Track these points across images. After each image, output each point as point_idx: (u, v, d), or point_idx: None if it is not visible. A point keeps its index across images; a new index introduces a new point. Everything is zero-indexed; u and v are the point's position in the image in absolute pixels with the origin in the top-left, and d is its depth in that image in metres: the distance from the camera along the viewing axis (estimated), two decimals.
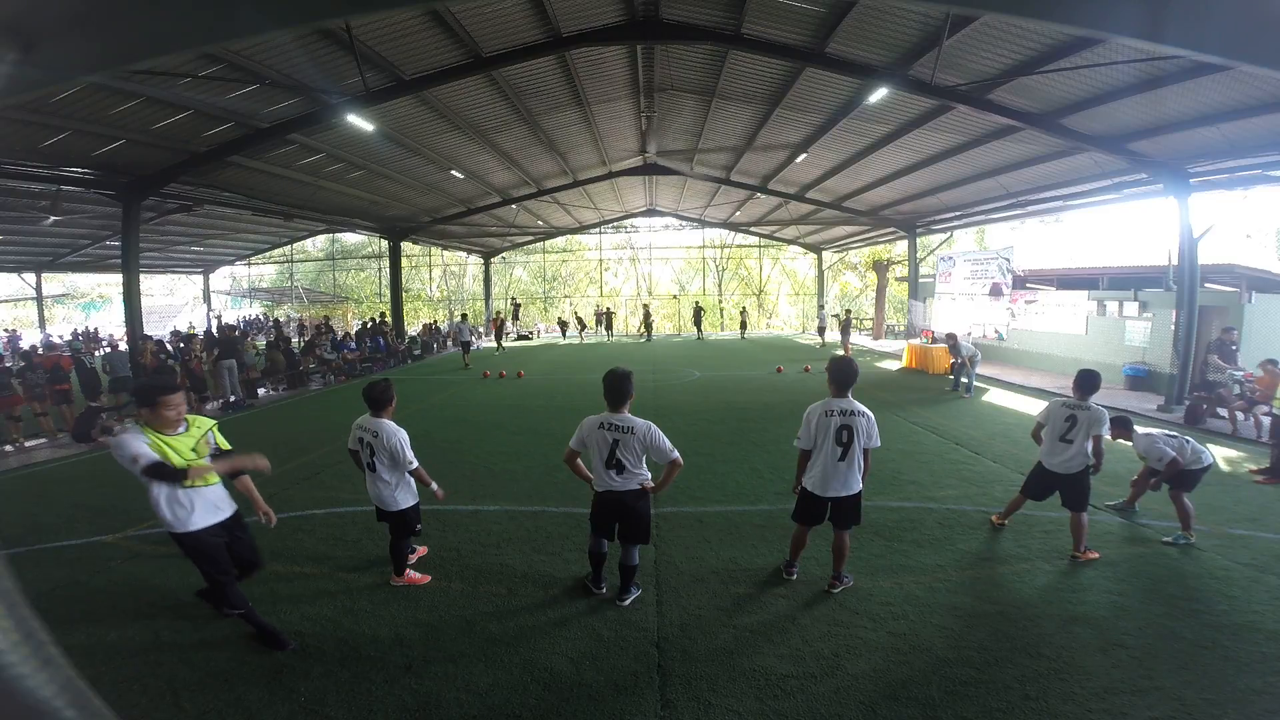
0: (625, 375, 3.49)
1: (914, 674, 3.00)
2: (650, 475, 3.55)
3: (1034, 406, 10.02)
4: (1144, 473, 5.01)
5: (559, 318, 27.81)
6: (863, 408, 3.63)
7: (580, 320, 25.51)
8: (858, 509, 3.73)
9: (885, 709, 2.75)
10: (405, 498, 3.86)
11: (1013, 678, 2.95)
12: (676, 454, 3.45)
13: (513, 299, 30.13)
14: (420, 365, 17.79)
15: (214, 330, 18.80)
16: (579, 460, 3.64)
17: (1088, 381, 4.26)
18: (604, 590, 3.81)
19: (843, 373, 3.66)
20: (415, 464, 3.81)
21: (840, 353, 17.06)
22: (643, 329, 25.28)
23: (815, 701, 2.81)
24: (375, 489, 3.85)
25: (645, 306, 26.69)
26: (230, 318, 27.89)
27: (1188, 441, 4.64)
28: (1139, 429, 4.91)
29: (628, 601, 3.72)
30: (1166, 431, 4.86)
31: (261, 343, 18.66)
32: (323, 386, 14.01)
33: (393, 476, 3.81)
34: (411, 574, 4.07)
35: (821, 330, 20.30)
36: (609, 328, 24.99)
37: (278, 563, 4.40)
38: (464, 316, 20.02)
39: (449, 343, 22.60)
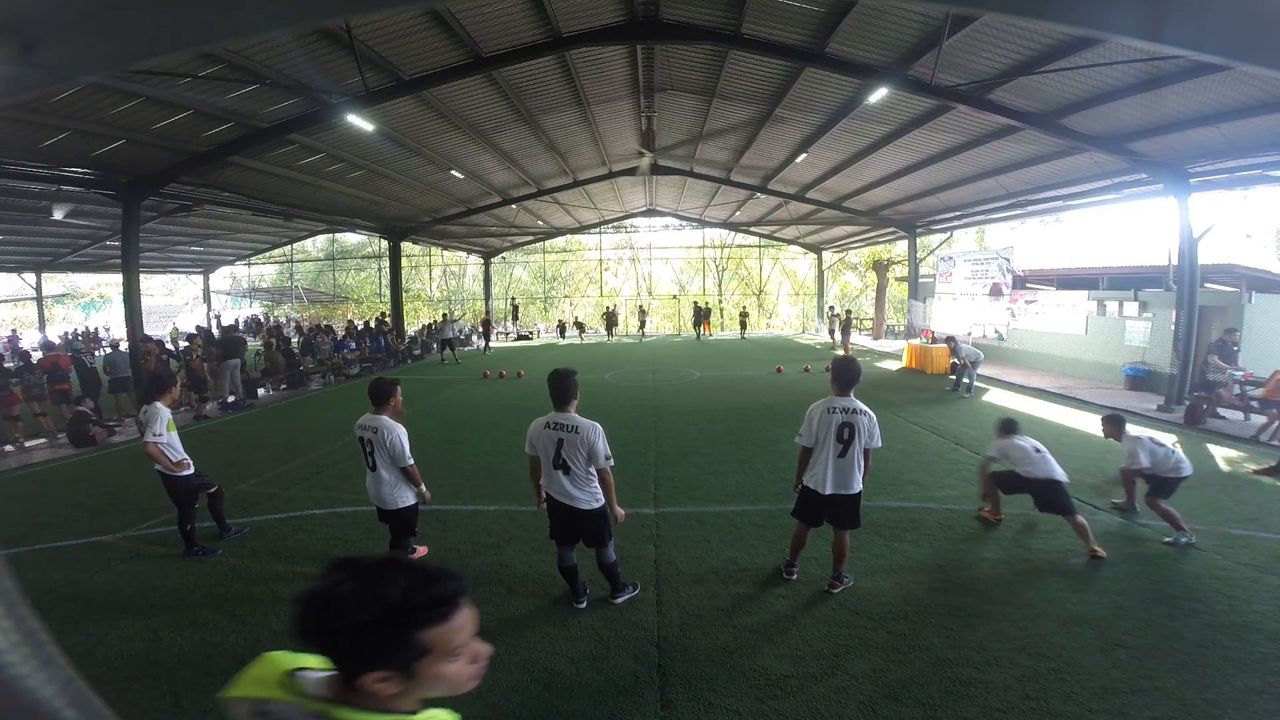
0: (567, 375, 3.46)
1: (914, 674, 3.00)
2: (601, 494, 3.46)
3: (1034, 406, 10.02)
4: (1125, 472, 5.03)
5: (559, 320, 27.43)
6: (864, 406, 3.66)
7: (579, 323, 25.30)
8: (857, 510, 3.72)
9: (885, 709, 2.75)
10: (406, 496, 3.90)
11: (1013, 678, 2.95)
12: (611, 462, 3.42)
13: (512, 299, 30.12)
14: (420, 365, 17.80)
15: (214, 330, 18.80)
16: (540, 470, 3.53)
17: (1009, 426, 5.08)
18: (584, 604, 3.70)
19: (845, 372, 3.71)
20: (411, 461, 3.83)
21: (841, 352, 16.98)
22: (639, 329, 25.32)
23: (815, 701, 2.81)
24: (375, 487, 3.87)
25: (641, 308, 26.71)
26: (229, 318, 27.87)
27: (1173, 452, 4.70)
28: (1131, 430, 4.93)
29: (620, 600, 3.71)
30: (1155, 437, 4.89)
31: (256, 343, 18.64)
32: (322, 386, 14.01)
33: (392, 474, 3.84)
34: None
35: (832, 332, 20.21)
36: (609, 328, 24.95)
37: (278, 563, 4.41)
38: (444, 316, 20.61)
39: (453, 344, 22.52)
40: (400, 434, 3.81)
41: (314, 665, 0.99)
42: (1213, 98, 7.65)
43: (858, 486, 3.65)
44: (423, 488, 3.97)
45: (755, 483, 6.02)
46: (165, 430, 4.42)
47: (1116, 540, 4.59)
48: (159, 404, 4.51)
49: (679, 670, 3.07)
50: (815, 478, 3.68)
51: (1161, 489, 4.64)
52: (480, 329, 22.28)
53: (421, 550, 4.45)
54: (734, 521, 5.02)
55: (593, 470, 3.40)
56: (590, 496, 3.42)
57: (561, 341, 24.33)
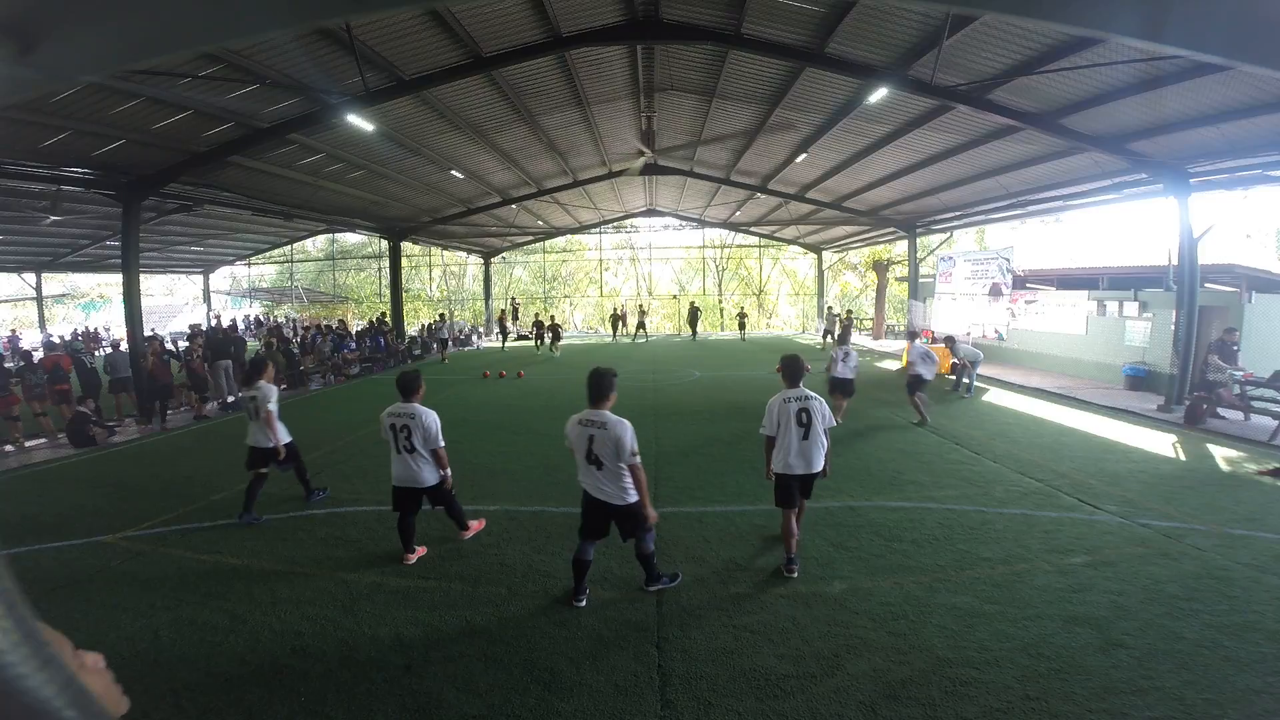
0: (604, 374, 3.55)
1: (914, 674, 3.00)
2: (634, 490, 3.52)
3: (1034, 406, 10.03)
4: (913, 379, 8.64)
5: (536, 318, 21.25)
6: (813, 393, 4.10)
7: (555, 329, 19.83)
8: (814, 483, 4.19)
9: (885, 709, 2.75)
10: (437, 473, 4.28)
11: (1013, 678, 2.95)
12: (637, 458, 3.46)
13: (512, 299, 30.08)
14: (420, 366, 17.79)
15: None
16: None
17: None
18: (583, 603, 3.69)
19: (794, 368, 4.21)
20: (442, 444, 4.24)
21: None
22: (637, 329, 23.95)
23: (815, 701, 2.81)
24: (410, 469, 4.18)
25: (641, 308, 25.75)
26: (229, 318, 27.86)
27: (928, 357, 8.58)
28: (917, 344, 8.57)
29: (654, 590, 3.80)
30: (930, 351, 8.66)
31: (255, 343, 18.65)
32: (322, 386, 14.00)
33: (427, 453, 4.20)
34: (473, 524, 4.68)
35: (828, 333, 20.07)
36: (615, 329, 24.17)
37: (278, 563, 4.41)
38: (442, 316, 20.80)
39: (450, 343, 22.48)
40: (435, 418, 4.20)
41: None
42: (1213, 98, 7.64)
43: (820, 465, 4.08)
44: (448, 471, 4.30)
45: (755, 483, 6.00)
46: (276, 405, 5.21)
47: (1116, 540, 4.59)
48: (263, 382, 5.22)
49: (679, 670, 3.07)
50: (785, 463, 4.03)
51: (918, 386, 8.46)
52: (496, 326, 22.15)
53: (421, 551, 4.45)
54: (734, 521, 5.02)
55: (623, 465, 3.46)
56: (622, 492, 3.48)
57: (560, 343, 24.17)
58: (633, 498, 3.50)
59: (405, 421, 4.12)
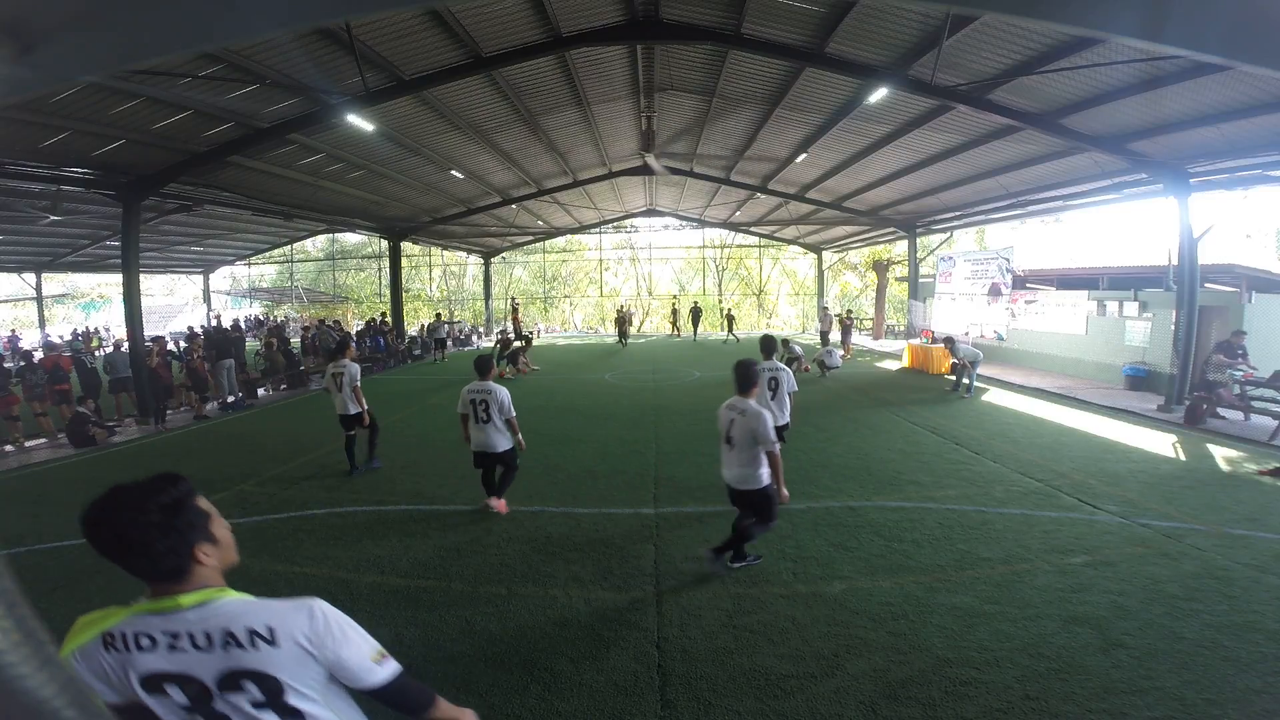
0: (749, 365, 4.03)
1: (914, 674, 3.00)
2: (767, 475, 3.88)
3: (1034, 406, 10.03)
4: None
5: (501, 332, 18.90)
6: (783, 365, 5.56)
7: (526, 336, 17.76)
8: (783, 435, 5.28)
9: (885, 709, 2.75)
10: (507, 441, 5.05)
11: (1013, 678, 2.95)
12: (774, 446, 3.78)
13: (513, 299, 30.06)
14: (420, 365, 17.79)
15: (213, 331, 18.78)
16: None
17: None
18: (740, 564, 4.20)
19: (766, 345, 5.67)
20: (514, 414, 5.00)
21: (842, 352, 16.96)
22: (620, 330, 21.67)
23: (815, 701, 2.81)
24: (486, 436, 4.97)
25: (623, 308, 23.63)
26: (229, 318, 27.86)
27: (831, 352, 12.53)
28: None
29: (738, 566, 4.13)
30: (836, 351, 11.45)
31: (254, 343, 18.65)
32: (322, 386, 13.99)
33: (500, 424, 4.97)
34: (503, 503, 5.18)
35: (824, 335, 19.71)
36: (622, 333, 22.02)
37: (278, 563, 4.41)
38: (438, 316, 20.70)
39: (449, 342, 22.44)
40: (507, 394, 4.97)
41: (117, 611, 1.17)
42: (1213, 98, 7.64)
43: (785, 419, 5.58)
44: (519, 436, 5.08)
45: None
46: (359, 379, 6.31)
47: (1116, 540, 4.59)
48: (347, 360, 6.24)
49: (679, 670, 3.07)
50: None
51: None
52: (509, 327, 20.89)
53: (501, 505, 5.26)
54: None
55: (759, 451, 3.80)
56: (744, 476, 3.87)
57: (560, 342, 24.21)
58: (755, 485, 3.85)
59: (484, 397, 4.92)
